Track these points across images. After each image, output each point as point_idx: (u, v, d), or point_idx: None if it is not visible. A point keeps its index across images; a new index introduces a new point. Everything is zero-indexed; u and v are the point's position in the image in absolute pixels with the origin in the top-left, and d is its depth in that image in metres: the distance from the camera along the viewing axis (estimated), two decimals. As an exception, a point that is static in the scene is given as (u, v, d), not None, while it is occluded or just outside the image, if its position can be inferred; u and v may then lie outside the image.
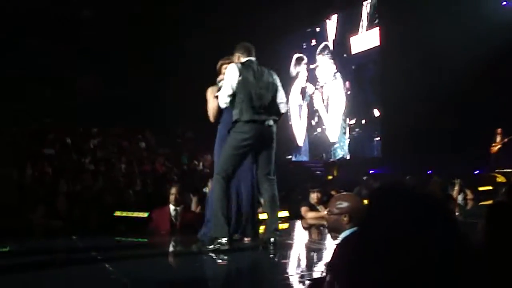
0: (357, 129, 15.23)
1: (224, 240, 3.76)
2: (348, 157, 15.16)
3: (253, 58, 4.11)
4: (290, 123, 18.23)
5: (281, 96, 4.14)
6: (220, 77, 4.33)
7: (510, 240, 1.70)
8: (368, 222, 1.27)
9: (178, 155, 17.32)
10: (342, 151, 15.61)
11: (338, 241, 2.42)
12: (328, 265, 2.39)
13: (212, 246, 3.79)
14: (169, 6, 18.27)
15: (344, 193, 2.88)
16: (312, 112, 17.35)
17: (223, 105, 4.07)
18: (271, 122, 3.97)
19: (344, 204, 2.42)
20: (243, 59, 4.09)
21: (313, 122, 17.24)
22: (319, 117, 16.95)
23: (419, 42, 11.92)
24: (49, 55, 18.35)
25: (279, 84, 4.15)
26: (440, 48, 11.40)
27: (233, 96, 3.94)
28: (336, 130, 15.91)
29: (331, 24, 16.62)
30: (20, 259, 3.89)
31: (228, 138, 3.98)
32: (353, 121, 15.40)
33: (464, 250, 1.16)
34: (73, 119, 18.39)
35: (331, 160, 15.35)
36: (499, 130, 11.30)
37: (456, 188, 8.43)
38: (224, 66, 4.30)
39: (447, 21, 11.28)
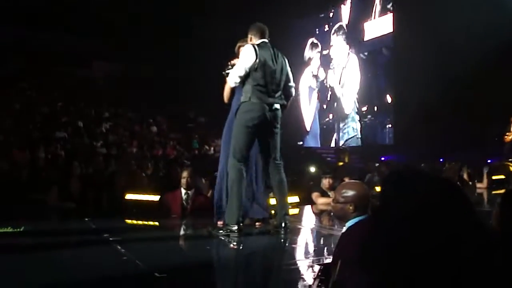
0: (369, 116, 15.16)
1: (235, 226, 3.77)
2: (359, 139, 15.10)
3: (266, 40, 4.06)
4: (300, 108, 18.17)
5: (290, 78, 4.14)
6: (235, 60, 4.28)
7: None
8: (382, 207, 1.26)
9: (190, 139, 17.38)
10: (354, 131, 15.56)
11: (344, 229, 2.41)
12: (334, 253, 2.39)
13: (223, 231, 3.81)
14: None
15: (350, 181, 2.86)
16: (323, 96, 17.25)
17: (232, 84, 4.03)
18: (278, 106, 3.95)
19: (350, 193, 2.40)
20: (257, 41, 4.03)
21: (325, 107, 17.15)
22: (333, 95, 16.82)
23: (432, 28, 11.76)
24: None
25: (289, 67, 4.13)
26: (453, 35, 11.24)
27: (246, 77, 3.90)
28: (350, 105, 15.83)
29: (345, 10, 16.45)
30: (33, 240, 3.94)
31: (235, 119, 3.96)
32: (365, 108, 15.31)
33: (481, 233, 1.14)
34: (86, 102, 18.52)
35: (342, 146, 15.31)
36: (513, 119, 11.14)
37: (465, 175, 8.38)
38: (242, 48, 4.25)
39: (461, 8, 11.10)
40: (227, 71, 4.18)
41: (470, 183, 8.57)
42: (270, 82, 3.89)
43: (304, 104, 18.19)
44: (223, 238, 3.74)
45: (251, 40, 4.07)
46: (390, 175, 1.43)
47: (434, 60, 11.73)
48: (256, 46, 3.92)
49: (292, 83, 4.15)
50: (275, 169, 4.07)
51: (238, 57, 4.17)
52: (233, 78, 3.97)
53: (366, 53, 15.39)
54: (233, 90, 4.21)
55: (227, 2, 16.69)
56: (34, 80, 18.73)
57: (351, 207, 2.36)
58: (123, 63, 20.82)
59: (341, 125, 16.34)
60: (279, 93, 3.98)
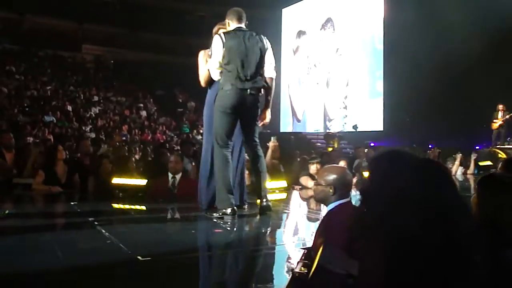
0: (359, 102, 15.18)
1: (228, 210, 3.84)
2: (349, 126, 15.16)
3: (242, 25, 4.09)
4: (289, 94, 18.15)
5: (269, 60, 4.11)
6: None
7: (498, 211, 1.70)
8: (371, 187, 1.25)
9: (180, 124, 17.34)
10: (340, 125, 15.63)
11: (324, 211, 2.44)
12: (315, 236, 2.41)
13: (216, 214, 3.88)
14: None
15: (332, 165, 2.88)
16: (312, 85, 17.24)
17: (215, 78, 4.08)
18: (253, 91, 3.96)
19: (330, 176, 2.43)
20: (233, 25, 4.09)
21: (313, 95, 17.16)
22: (319, 90, 16.87)
23: (424, 15, 11.75)
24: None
25: (268, 47, 4.11)
26: (446, 23, 11.25)
27: (221, 67, 3.97)
28: (336, 105, 15.90)
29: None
30: (18, 224, 3.92)
31: (214, 106, 4.02)
32: (355, 94, 15.33)
33: (466, 211, 1.15)
34: (75, 86, 18.38)
35: (332, 132, 15.34)
36: (500, 107, 11.23)
37: (457, 162, 8.46)
38: (221, 30, 4.25)
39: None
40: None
41: (463, 169, 8.64)
42: (240, 67, 3.91)
43: (294, 93, 18.16)
44: (216, 221, 3.77)
45: (228, 25, 4.13)
46: (377, 158, 1.41)
47: (425, 47, 11.74)
48: (222, 35, 3.98)
49: (269, 64, 4.11)
50: (251, 148, 4.13)
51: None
52: (212, 72, 4.05)
53: (357, 39, 15.33)
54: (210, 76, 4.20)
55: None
56: (22, 64, 18.54)
57: (331, 190, 2.38)
58: (113, 47, 20.67)
59: (329, 113, 16.35)
60: (254, 76, 3.97)
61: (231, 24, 4.11)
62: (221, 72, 3.98)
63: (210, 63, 4.09)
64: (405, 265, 1.12)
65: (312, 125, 17.23)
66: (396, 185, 1.17)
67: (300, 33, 17.98)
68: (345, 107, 15.61)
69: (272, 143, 6.64)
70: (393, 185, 1.18)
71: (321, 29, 16.82)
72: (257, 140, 4.15)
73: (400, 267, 1.12)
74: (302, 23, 17.93)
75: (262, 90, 4.08)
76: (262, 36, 4.11)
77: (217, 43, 3.97)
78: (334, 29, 16.29)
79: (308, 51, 17.57)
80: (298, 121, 18.01)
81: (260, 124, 4.22)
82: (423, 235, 1.10)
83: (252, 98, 3.97)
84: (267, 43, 4.10)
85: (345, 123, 15.53)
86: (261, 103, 4.13)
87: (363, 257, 1.28)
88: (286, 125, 18.28)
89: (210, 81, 4.21)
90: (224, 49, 3.93)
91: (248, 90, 3.92)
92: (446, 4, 11.33)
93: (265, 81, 4.10)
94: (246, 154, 4.35)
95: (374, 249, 1.18)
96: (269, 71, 4.12)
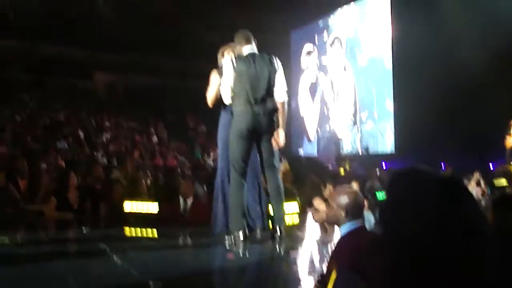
0: (369, 122, 15.09)
1: (240, 233, 3.81)
2: (358, 152, 15.05)
3: (250, 47, 4.09)
4: (301, 115, 18.13)
5: (280, 82, 4.05)
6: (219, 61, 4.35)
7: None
8: (390, 208, 1.22)
9: (191, 149, 17.40)
10: (351, 146, 15.52)
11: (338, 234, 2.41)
12: (329, 261, 2.37)
13: (227, 238, 3.87)
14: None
15: (344, 187, 2.86)
16: (323, 105, 17.23)
17: (227, 102, 4.08)
18: (266, 113, 3.95)
19: (342, 199, 2.42)
20: (242, 47, 4.09)
21: (324, 117, 17.13)
22: (328, 110, 16.83)
23: (433, 33, 11.77)
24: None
25: (278, 69, 4.07)
26: (455, 41, 11.25)
27: (232, 91, 3.99)
28: (344, 124, 15.82)
29: (344, 15, 16.47)
30: (30, 251, 3.92)
31: (229, 130, 4.04)
32: (365, 114, 15.25)
33: (487, 230, 1.12)
34: (87, 113, 18.61)
35: (343, 154, 15.26)
36: (514, 123, 11.09)
37: (473, 183, 8.26)
38: (226, 51, 4.30)
39: (462, 13, 11.14)
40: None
41: (479, 189, 8.44)
42: (250, 90, 3.92)
43: (306, 113, 18.14)
44: (228, 246, 3.74)
45: (237, 48, 4.16)
46: (396, 178, 1.38)
47: (435, 65, 11.72)
48: (233, 59, 4.00)
49: (280, 87, 4.05)
50: (271, 175, 4.09)
51: (218, 63, 4.35)
52: (225, 96, 4.05)
53: (366, 58, 15.35)
54: (219, 98, 4.21)
55: (227, 11, 16.80)
56: (35, 92, 18.85)
57: (343, 213, 2.36)
58: (123, 73, 20.96)
59: (339, 137, 16.28)
60: (264, 99, 3.97)
61: (239, 46, 4.12)
62: (232, 96, 4.00)
63: (221, 87, 4.10)
64: (426, 285, 1.09)
65: (324, 146, 17.15)
66: (419, 204, 1.14)
67: (310, 53, 18.08)
68: (356, 128, 15.54)
69: (282, 167, 6.55)
70: (416, 204, 1.15)
71: (329, 45, 16.88)
72: (277, 166, 4.14)
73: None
74: (311, 42, 18.03)
75: (276, 112, 4.06)
76: (273, 58, 4.09)
77: (228, 67, 3.99)
78: (342, 46, 16.34)
79: (317, 70, 17.62)
80: (309, 141, 17.94)
81: (274, 145, 4.18)
82: (445, 254, 1.08)
83: (266, 120, 3.95)
84: (277, 65, 4.07)
85: (356, 144, 15.45)
86: (276, 126, 4.07)
87: (377, 280, 1.25)
88: (298, 147, 18.21)
89: (219, 103, 4.22)
90: (234, 73, 3.95)
91: (261, 113, 3.92)
92: (456, 22, 11.34)
93: (276, 105, 4.07)
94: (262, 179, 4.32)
95: (390, 272, 1.15)
96: (280, 94, 4.04)
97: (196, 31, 18.45)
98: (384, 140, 14.41)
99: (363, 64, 15.41)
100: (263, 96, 3.96)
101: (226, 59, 4.10)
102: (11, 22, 18.11)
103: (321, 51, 17.42)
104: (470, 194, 1.16)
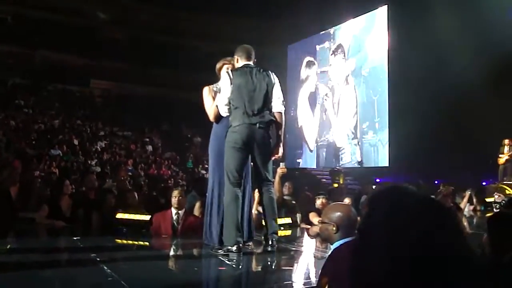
0: (370, 133, 14.87)
1: (234, 246, 3.79)
2: (358, 163, 14.91)
3: (250, 62, 4.15)
4: (300, 125, 17.98)
5: (277, 94, 4.11)
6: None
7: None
8: (368, 225, 1.22)
9: (185, 159, 17.37)
10: (350, 157, 15.39)
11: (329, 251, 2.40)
12: (319, 276, 2.36)
13: (221, 252, 3.84)
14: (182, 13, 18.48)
15: (337, 203, 2.86)
16: (323, 115, 17.15)
17: (224, 114, 4.12)
18: (262, 125, 3.96)
19: (334, 214, 2.41)
20: (241, 62, 4.15)
21: (324, 126, 17.04)
22: (328, 120, 16.73)
23: (430, 48, 11.87)
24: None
25: (276, 82, 4.12)
26: (451, 57, 11.35)
27: (230, 104, 4.04)
28: (344, 135, 15.72)
29: (345, 28, 16.53)
30: (19, 258, 3.88)
31: (225, 142, 4.03)
32: (366, 125, 15.02)
33: (466, 259, 1.11)
34: (82, 120, 18.57)
35: (337, 167, 15.22)
36: (506, 141, 11.18)
37: (465, 199, 8.31)
38: (225, 66, 4.33)
39: (458, 27, 11.25)
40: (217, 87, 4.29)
41: (471, 206, 8.49)
42: (247, 102, 3.95)
43: (305, 124, 18.05)
44: (221, 258, 3.71)
45: (237, 61, 4.20)
46: (377, 194, 1.38)
47: (430, 80, 11.82)
48: (230, 73, 4.06)
49: (277, 99, 4.11)
50: (265, 189, 4.10)
51: (217, 75, 4.40)
52: (221, 109, 4.11)
53: (365, 70, 15.31)
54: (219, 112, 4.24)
55: (225, 25, 16.93)
56: (31, 97, 18.81)
57: (334, 228, 2.35)
58: (120, 82, 20.98)
59: (338, 146, 16.20)
60: (261, 111, 3.99)
61: (240, 60, 4.17)
62: (229, 109, 4.03)
63: (218, 99, 4.15)
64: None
65: (320, 158, 17.04)
66: (395, 224, 1.14)
67: (310, 63, 18.05)
68: (354, 141, 15.44)
69: (280, 169, 6.15)
70: (392, 224, 1.15)
71: (331, 55, 16.88)
72: (271, 180, 4.15)
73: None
74: (310, 54, 18.02)
75: (272, 125, 4.08)
76: (270, 72, 4.15)
77: (225, 81, 4.04)
78: (344, 55, 16.34)
79: (317, 80, 17.58)
80: (311, 151, 17.75)
81: (272, 158, 4.17)
82: (421, 272, 1.08)
83: (262, 132, 3.96)
84: (274, 79, 4.13)
85: (352, 157, 15.40)
86: (272, 139, 4.09)
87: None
88: (296, 158, 18.00)
89: (219, 116, 4.24)
90: (232, 86, 3.98)
91: (257, 125, 3.93)
92: (451, 39, 11.43)
93: (274, 116, 4.10)
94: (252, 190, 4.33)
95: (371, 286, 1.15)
96: (277, 106, 4.10)
97: (193, 42, 18.52)
98: (378, 154, 14.35)
99: (366, 75, 15.33)
100: (260, 108, 3.98)
101: (224, 72, 4.13)
102: (8, 27, 18.13)
103: (323, 61, 17.37)
104: (450, 219, 1.16)
